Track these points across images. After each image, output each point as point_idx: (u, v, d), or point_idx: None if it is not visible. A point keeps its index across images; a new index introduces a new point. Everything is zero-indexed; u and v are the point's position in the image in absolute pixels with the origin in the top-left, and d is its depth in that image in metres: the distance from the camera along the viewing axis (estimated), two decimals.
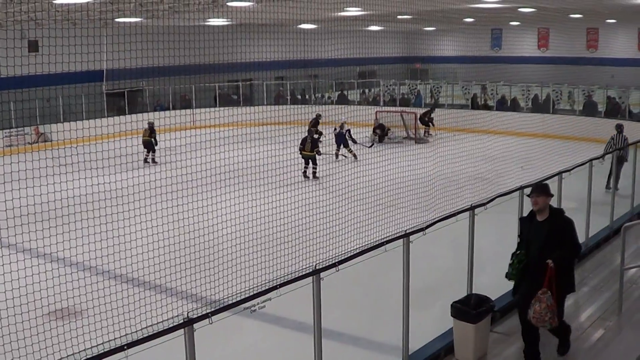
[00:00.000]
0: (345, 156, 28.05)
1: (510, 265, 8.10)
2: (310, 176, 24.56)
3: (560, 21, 42.51)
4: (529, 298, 7.85)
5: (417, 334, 8.62)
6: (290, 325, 11.18)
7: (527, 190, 8.86)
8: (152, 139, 27.35)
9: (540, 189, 8.18)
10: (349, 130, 29.17)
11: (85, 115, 29.07)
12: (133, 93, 37.35)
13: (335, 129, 28.59)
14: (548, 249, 7.79)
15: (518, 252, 8.14)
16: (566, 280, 7.99)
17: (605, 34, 45.12)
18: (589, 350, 8.54)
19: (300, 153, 24.61)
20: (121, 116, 30.56)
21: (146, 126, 27.36)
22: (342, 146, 28.25)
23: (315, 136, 27.15)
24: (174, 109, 36.87)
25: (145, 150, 27.51)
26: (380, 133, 33.36)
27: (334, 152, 27.91)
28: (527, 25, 46.32)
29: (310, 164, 24.78)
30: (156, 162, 27.12)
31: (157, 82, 35.83)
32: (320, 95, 43.61)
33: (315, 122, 30.52)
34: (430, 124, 34.63)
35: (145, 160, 27.22)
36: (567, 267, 8.01)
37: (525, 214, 10.92)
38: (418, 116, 34.22)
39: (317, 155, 24.82)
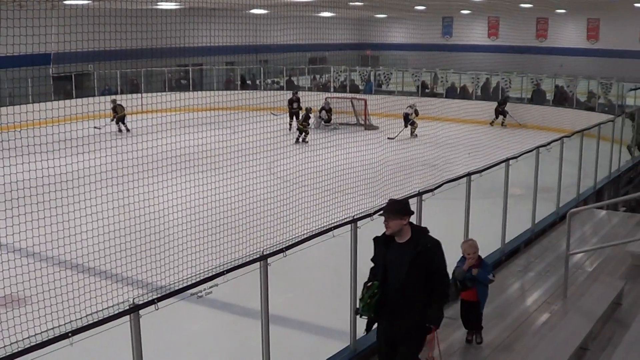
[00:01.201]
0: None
1: (360, 300, 6.54)
2: (301, 140, 29.37)
3: (510, 10, 42.86)
4: (392, 343, 6.60)
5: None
6: (237, 311, 11.17)
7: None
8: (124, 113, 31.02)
9: (390, 209, 6.54)
10: (406, 114, 31.26)
11: (31, 99, 28.57)
12: (81, 77, 36.86)
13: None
14: (411, 279, 6.32)
15: (370, 283, 6.56)
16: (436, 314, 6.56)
17: (554, 24, 45.61)
18: (535, 334, 8.62)
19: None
20: (68, 100, 30.24)
21: (112, 105, 31.20)
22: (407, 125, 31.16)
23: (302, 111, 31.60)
24: (122, 93, 36.46)
25: (121, 123, 31.01)
26: (327, 116, 33.64)
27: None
28: (478, 14, 46.61)
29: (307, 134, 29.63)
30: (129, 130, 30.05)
31: (105, 66, 35.43)
32: (271, 81, 43.50)
33: (295, 99, 32.91)
34: (505, 114, 34.69)
35: (128, 130, 30.44)
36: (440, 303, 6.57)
37: (471, 201, 11.07)
38: (495, 106, 34.93)
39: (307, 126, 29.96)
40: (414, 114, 30.95)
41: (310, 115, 30.60)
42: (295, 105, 32.47)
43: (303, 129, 29.93)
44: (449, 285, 6.67)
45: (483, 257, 9.76)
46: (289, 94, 33.91)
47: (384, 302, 6.45)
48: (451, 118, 31.83)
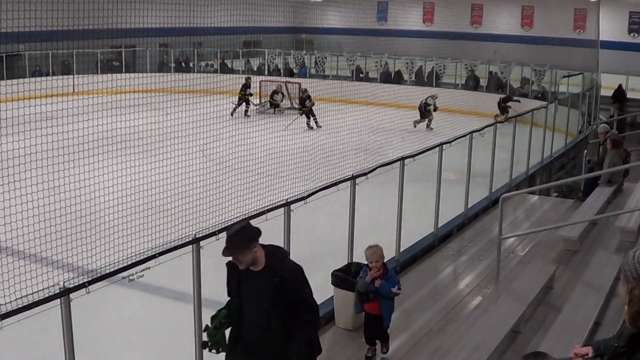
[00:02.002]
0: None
1: (204, 331, 5.72)
2: (314, 126, 28.87)
3: None
4: None
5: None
6: (170, 295, 11.06)
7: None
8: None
9: (235, 244, 5.46)
10: (425, 104, 29.93)
11: None
12: (11, 58, 36.15)
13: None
14: (273, 315, 5.48)
15: (215, 313, 5.72)
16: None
17: (489, 11, 46.00)
18: (467, 317, 8.71)
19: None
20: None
21: None
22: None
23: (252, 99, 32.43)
24: (53, 74, 35.81)
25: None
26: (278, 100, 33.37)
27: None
28: (413, 0, 46.84)
29: (309, 118, 29.32)
30: None
31: (36, 47, 34.77)
32: (205, 64, 43.16)
33: (248, 85, 32.36)
34: (505, 111, 31.71)
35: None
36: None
37: (404, 185, 11.11)
38: (498, 100, 32.40)
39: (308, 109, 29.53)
40: (432, 106, 29.80)
41: (308, 98, 30.33)
42: (248, 91, 32.14)
43: (306, 110, 29.69)
44: (316, 315, 5.81)
45: (416, 240, 9.82)
46: (223, 77, 33.52)
47: (238, 337, 5.69)
48: (385, 103, 31.90)
